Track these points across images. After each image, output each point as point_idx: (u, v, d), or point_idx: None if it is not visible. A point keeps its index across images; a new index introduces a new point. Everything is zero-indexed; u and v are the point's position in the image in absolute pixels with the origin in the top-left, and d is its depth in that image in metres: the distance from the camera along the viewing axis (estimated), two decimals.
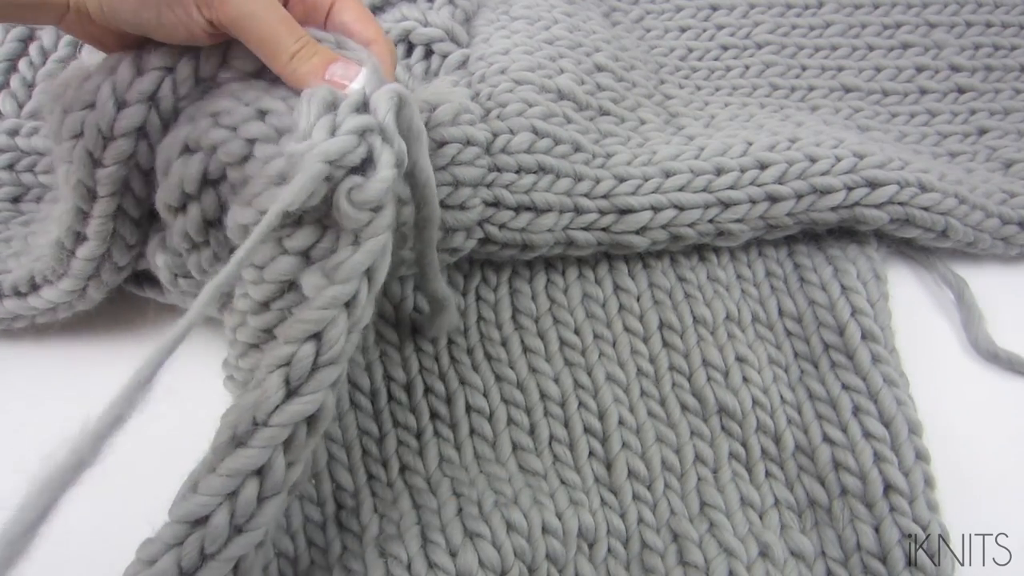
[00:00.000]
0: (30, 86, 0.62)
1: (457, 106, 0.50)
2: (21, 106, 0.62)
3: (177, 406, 0.50)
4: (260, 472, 0.35)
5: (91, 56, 0.46)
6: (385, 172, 0.36)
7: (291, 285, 0.38)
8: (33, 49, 0.63)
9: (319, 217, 0.37)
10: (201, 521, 0.35)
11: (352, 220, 0.36)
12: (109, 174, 0.43)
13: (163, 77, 0.42)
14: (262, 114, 0.41)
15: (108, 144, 0.42)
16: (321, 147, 0.35)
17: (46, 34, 0.63)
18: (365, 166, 0.37)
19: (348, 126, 0.36)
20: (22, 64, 0.63)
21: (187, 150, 0.41)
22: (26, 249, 0.53)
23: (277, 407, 0.35)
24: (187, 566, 0.35)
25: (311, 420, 0.36)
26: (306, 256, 0.38)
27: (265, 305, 0.39)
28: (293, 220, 0.37)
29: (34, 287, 0.50)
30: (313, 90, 0.38)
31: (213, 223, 0.43)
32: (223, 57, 0.43)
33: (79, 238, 0.47)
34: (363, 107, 0.38)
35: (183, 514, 0.35)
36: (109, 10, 0.40)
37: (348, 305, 0.36)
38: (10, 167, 0.59)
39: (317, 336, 0.35)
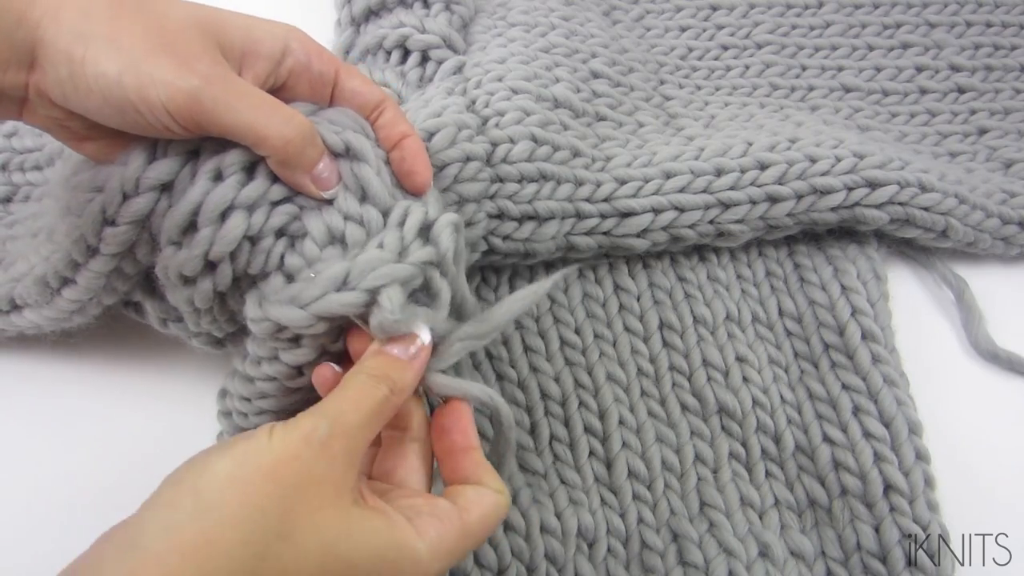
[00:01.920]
0: None
1: (454, 128, 0.49)
2: None
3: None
4: None
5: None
6: (440, 312, 0.38)
7: None
8: None
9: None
10: None
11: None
12: (118, 233, 0.41)
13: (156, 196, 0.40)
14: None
15: (127, 201, 0.40)
16: (394, 268, 0.37)
17: None
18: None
19: (416, 257, 0.38)
20: None
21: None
22: (4, 258, 0.52)
23: None
24: None
25: None
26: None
27: (293, 392, 0.41)
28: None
29: (16, 307, 0.49)
30: (406, 208, 0.40)
31: (223, 294, 0.42)
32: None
33: (66, 282, 0.45)
34: (426, 229, 0.39)
35: None
36: (74, 101, 0.36)
37: None
38: (3, 168, 0.59)
39: None
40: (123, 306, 0.50)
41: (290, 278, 0.39)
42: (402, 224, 0.39)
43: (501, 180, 0.51)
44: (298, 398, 0.42)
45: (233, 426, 0.46)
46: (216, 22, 0.39)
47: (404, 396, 0.35)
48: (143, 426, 0.52)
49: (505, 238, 0.52)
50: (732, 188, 0.53)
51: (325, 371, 0.38)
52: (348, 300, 0.36)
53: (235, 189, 0.39)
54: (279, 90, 0.41)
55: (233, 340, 0.46)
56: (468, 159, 0.49)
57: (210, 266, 0.40)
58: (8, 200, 0.58)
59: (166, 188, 0.39)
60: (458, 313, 0.42)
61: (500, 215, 0.52)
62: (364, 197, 0.40)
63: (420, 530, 0.32)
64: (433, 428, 0.38)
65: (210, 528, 0.28)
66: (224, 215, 0.39)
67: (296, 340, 0.38)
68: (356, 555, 0.30)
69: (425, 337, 0.36)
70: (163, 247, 0.40)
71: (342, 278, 0.37)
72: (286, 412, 0.41)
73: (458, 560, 0.33)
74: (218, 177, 0.39)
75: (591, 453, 0.49)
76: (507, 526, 0.45)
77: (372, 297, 0.36)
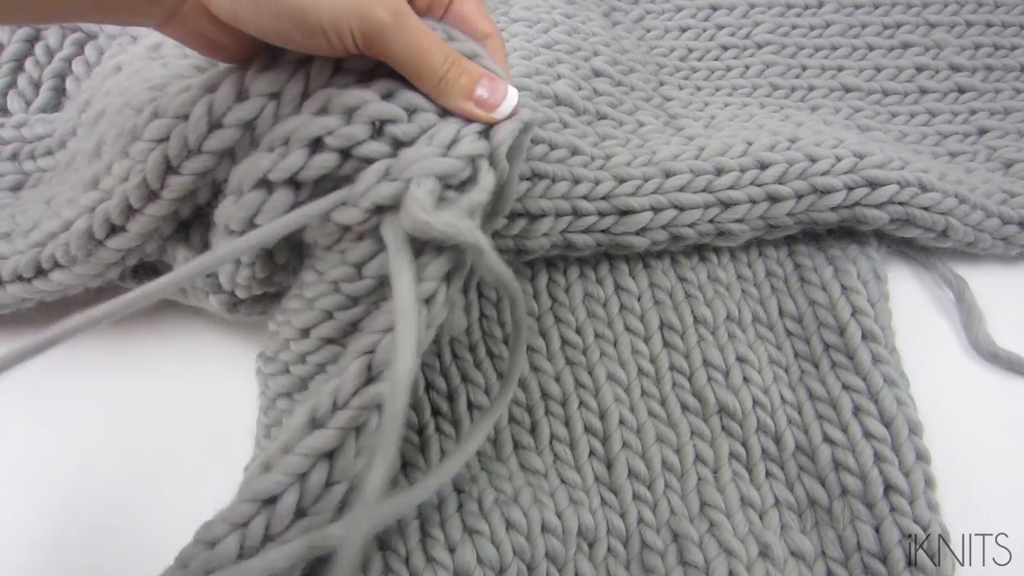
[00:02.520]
0: (37, 85, 0.62)
1: None
2: (28, 103, 0.62)
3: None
4: (331, 456, 0.37)
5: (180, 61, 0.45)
6: (479, 196, 0.39)
7: (384, 283, 0.40)
8: (39, 49, 0.63)
9: None
10: (270, 501, 0.37)
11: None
12: (182, 182, 0.42)
13: (265, 104, 0.41)
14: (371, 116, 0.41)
15: (191, 157, 0.42)
16: (435, 162, 0.38)
17: (51, 34, 0.63)
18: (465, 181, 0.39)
19: (464, 150, 0.39)
20: (28, 64, 0.63)
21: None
22: (15, 231, 0.52)
23: (357, 391, 0.37)
24: (248, 547, 0.36)
25: (381, 409, 0.38)
26: None
27: (355, 300, 0.41)
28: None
29: (40, 272, 0.50)
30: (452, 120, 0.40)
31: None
32: (335, 68, 0.41)
33: (115, 230, 0.46)
34: (486, 131, 0.40)
35: (255, 493, 0.37)
36: (248, 20, 0.38)
37: (428, 302, 0.38)
38: (13, 157, 0.59)
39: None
40: (130, 276, 0.51)
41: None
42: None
43: None
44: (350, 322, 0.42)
45: (286, 380, 0.46)
46: None
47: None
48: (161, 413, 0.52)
49: (495, 234, 0.52)
50: (732, 187, 0.53)
51: None
52: (387, 191, 0.37)
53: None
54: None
55: (247, 307, 0.48)
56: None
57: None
58: (19, 188, 0.58)
59: (249, 127, 0.41)
60: (494, 209, 0.44)
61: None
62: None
63: None
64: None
65: None
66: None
67: (360, 237, 0.40)
68: None
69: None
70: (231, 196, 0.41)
71: (384, 171, 0.38)
72: (342, 341, 0.42)
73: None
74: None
75: (591, 453, 0.49)
76: (509, 524, 0.45)
77: (407, 186, 0.37)
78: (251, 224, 0.41)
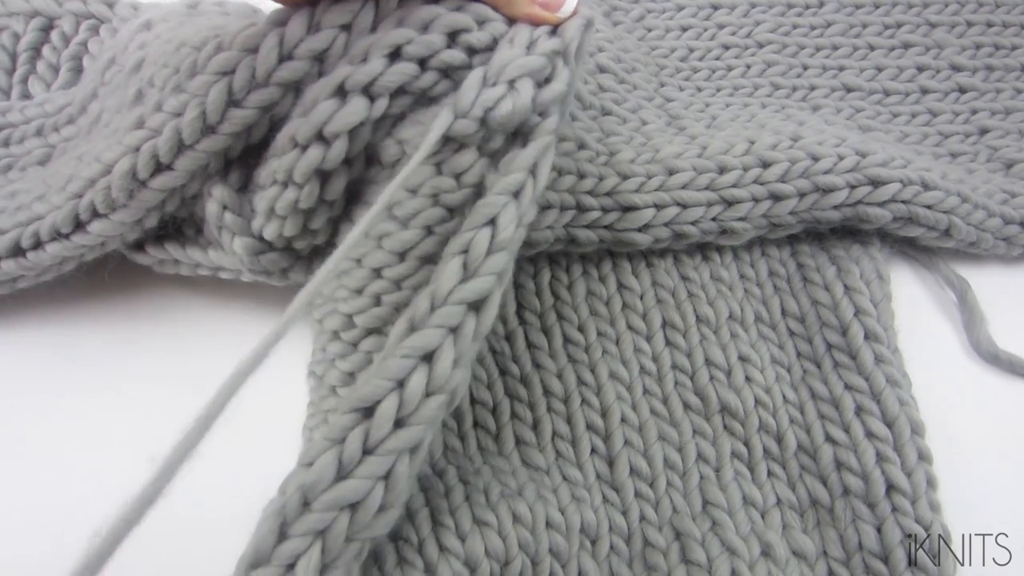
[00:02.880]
0: (56, 69, 0.63)
1: None
2: (49, 87, 0.63)
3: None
4: (430, 359, 0.37)
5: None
6: (558, 86, 0.42)
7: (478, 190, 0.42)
8: (55, 36, 0.64)
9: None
10: (368, 411, 0.36)
11: (530, 120, 0.41)
12: (243, 115, 0.43)
13: (337, 35, 0.41)
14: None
15: (256, 90, 0.42)
16: (526, 60, 0.41)
17: (65, 21, 0.64)
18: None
19: (544, 47, 0.41)
20: (45, 50, 0.64)
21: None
22: (52, 189, 0.52)
23: (454, 288, 0.38)
24: (347, 461, 0.36)
25: (478, 312, 0.38)
26: (493, 157, 0.42)
27: (453, 211, 0.42)
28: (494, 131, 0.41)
29: (79, 225, 0.49)
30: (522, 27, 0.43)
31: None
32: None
33: (161, 167, 0.46)
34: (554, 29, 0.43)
35: (355, 400, 0.36)
36: None
37: (517, 195, 0.40)
38: (38, 133, 0.59)
39: (492, 221, 0.39)
40: (161, 241, 0.51)
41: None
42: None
43: None
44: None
45: (335, 373, 0.47)
46: None
47: None
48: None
49: None
50: (735, 185, 0.53)
51: None
52: (496, 94, 0.40)
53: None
54: None
55: (271, 260, 0.49)
56: None
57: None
58: (46, 161, 0.59)
59: (319, 60, 0.42)
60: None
61: None
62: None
63: None
64: None
65: None
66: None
67: (458, 148, 0.41)
68: None
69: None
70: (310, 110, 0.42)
71: (482, 77, 0.41)
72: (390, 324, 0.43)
73: None
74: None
75: (593, 450, 0.49)
76: (515, 518, 0.45)
77: (509, 88, 0.40)
78: (320, 136, 0.42)
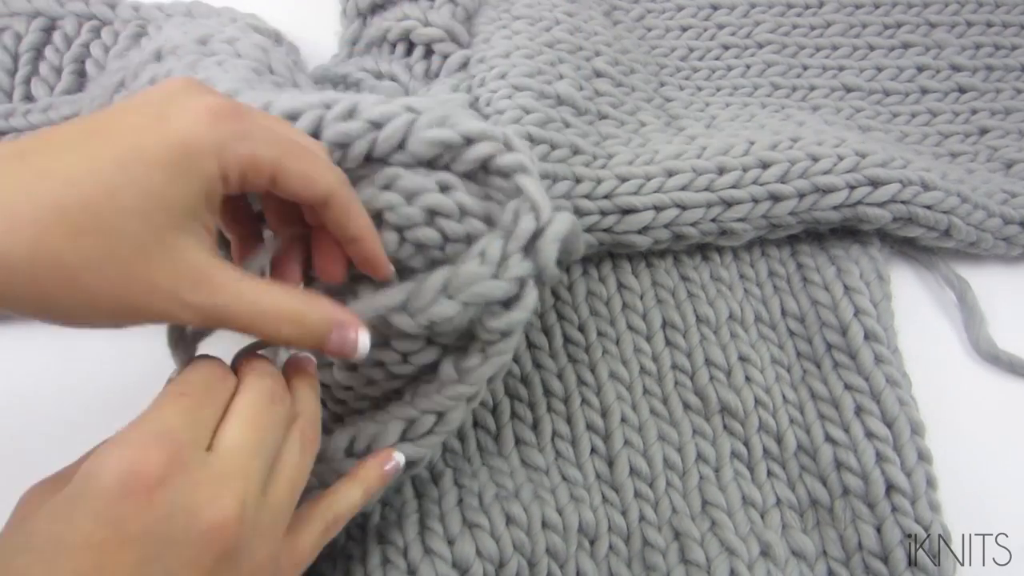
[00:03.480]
0: (58, 71, 0.63)
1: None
2: (52, 89, 0.63)
3: None
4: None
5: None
6: (521, 315, 0.40)
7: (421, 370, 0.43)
8: (56, 37, 0.64)
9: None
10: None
11: (485, 337, 0.40)
12: None
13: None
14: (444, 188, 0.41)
15: None
16: (489, 286, 0.39)
17: (67, 23, 0.64)
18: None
19: (514, 272, 0.39)
20: (48, 51, 0.64)
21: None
22: None
23: (395, 445, 0.42)
24: None
25: (408, 466, 0.42)
26: (446, 348, 0.42)
27: (399, 377, 0.43)
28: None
29: None
30: (515, 210, 0.40)
31: None
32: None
33: None
34: (534, 240, 0.40)
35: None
36: None
37: (469, 400, 0.42)
38: None
39: (440, 414, 0.42)
40: None
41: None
42: (509, 233, 0.40)
43: None
44: (399, 385, 0.44)
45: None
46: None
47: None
48: None
49: None
50: (734, 186, 0.53)
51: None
52: (446, 311, 0.38)
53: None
54: None
55: None
56: None
57: None
58: None
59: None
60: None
61: None
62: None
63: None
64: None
65: None
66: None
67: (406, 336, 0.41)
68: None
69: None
70: None
71: (442, 286, 0.39)
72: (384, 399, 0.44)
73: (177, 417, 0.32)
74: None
75: (593, 450, 0.49)
76: (509, 519, 0.45)
77: (464, 308, 0.39)
78: None
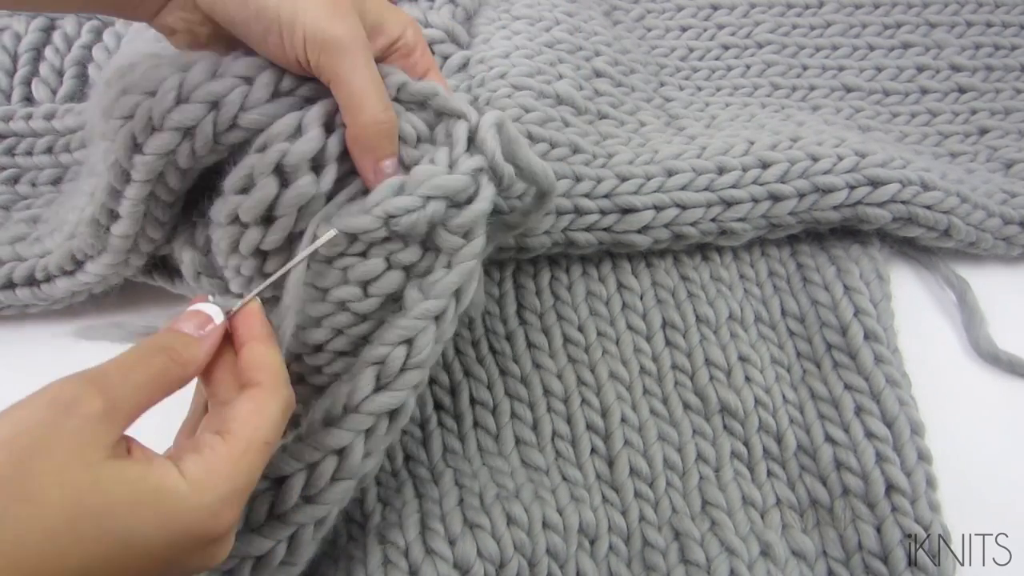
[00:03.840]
0: (60, 73, 0.63)
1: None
2: (54, 91, 0.63)
3: None
4: (340, 453, 0.40)
5: (152, 43, 0.45)
6: (481, 205, 0.41)
7: (390, 298, 0.42)
8: (57, 37, 0.64)
9: (422, 239, 0.41)
10: (278, 481, 0.40)
11: (448, 243, 0.41)
12: (146, 162, 0.42)
13: (236, 85, 0.41)
14: None
15: (153, 134, 0.41)
16: (446, 179, 0.40)
17: (68, 22, 0.64)
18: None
19: (465, 166, 0.40)
20: (48, 52, 0.64)
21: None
22: (59, 225, 0.53)
23: (367, 397, 0.39)
24: (253, 521, 0.39)
25: (392, 415, 0.40)
26: (408, 271, 0.41)
27: (364, 317, 0.42)
28: (400, 239, 0.40)
29: (78, 264, 0.51)
30: (448, 125, 0.42)
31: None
32: (305, 78, 0.42)
33: (112, 215, 0.46)
34: (472, 138, 0.42)
35: (268, 469, 0.38)
36: (223, 7, 0.39)
37: (438, 318, 0.40)
38: (48, 150, 0.60)
39: (409, 342, 0.40)
40: (152, 271, 0.52)
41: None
42: (448, 137, 0.42)
43: None
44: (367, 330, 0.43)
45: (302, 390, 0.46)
46: None
47: (190, 369, 0.35)
48: None
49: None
50: (734, 186, 0.53)
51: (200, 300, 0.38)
52: (405, 203, 0.39)
53: (319, 141, 0.41)
54: (377, 62, 0.43)
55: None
56: None
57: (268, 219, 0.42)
58: (58, 181, 0.60)
59: (215, 106, 0.41)
60: (535, 184, 0.45)
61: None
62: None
63: (183, 469, 0.32)
64: (233, 339, 0.38)
65: None
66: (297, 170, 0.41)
67: (364, 253, 0.40)
68: (107, 502, 0.30)
69: (217, 318, 0.37)
70: (227, 194, 0.42)
71: (399, 186, 0.40)
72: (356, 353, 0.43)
73: (248, 477, 0.33)
74: (298, 132, 0.41)
75: (593, 450, 0.49)
76: (510, 519, 0.45)
77: (424, 202, 0.39)
78: (266, 219, 0.42)
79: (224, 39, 0.42)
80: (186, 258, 0.48)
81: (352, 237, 0.40)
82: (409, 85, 0.43)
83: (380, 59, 0.43)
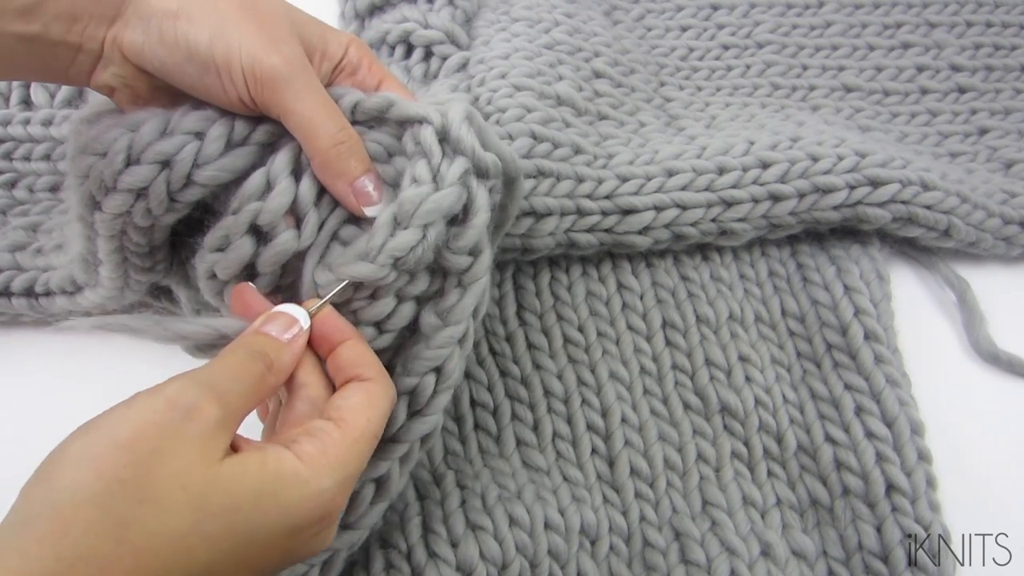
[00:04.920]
0: None
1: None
2: (53, 96, 0.62)
3: None
4: (378, 480, 0.41)
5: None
6: (482, 217, 0.40)
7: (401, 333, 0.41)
8: None
9: (429, 263, 0.40)
10: None
11: (456, 265, 0.40)
12: (104, 220, 0.42)
13: (187, 142, 0.39)
14: None
15: (108, 195, 0.41)
16: (437, 199, 0.38)
17: None
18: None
19: (452, 175, 0.39)
20: None
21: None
22: (64, 242, 0.53)
23: (402, 426, 0.40)
24: None
25: (424, 437, 0.42)
26: (419, 300, 0.41)
27: (383, 351, 0.41)
28: (407, 273, 0.40)
29: (78, 288, 0.51)
30: (414, 133, 0.40)
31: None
32: (257, 121, 0.41)
33: (96, 258, 0.46)
34: (445, 138, 0.40)
35: None
36: (152, 56, 0.38)
37: (460, 340, 0.40)
38: (47, 157, 0.60)
39: (437, 369, 0.40)
40: (155, 298, 0.51)
41: (346, 244, 0.40)
42: (418, 145, 0.40)
43: None
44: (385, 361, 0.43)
45: None
46: (299, 16, 0.41)
47: (282, 377, 0.36)
48: None
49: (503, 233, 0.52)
50: (734, 186, 0.53)
51: (245, 292, 0.38)
52: (407, 240, 0.37)
53: (291, 193, 0.39)
54: (325, 86, 0.42)
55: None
56: None
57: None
58: (56, 189, 0.60)
59: (166, 165, 0.40)
60: (504, 171, 0.43)
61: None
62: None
63: (299, 453, 0.32)
64: (314, 340, 0.38)
65: (64, 509, 0.28)
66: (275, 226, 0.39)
67: (374, 295, 0.39)
68: (232, 501, 0.30)
69: (304, 322, 0.37)
70: (204, 251, 0.41)
71: (392, 221, 0.38)
72: None
73: (359, 465, 0.34)
74: (268, 188, 0.40)
75: (594, 450, 0.50)
76: (512, 521, 0.45)
77: (424, 232, 0.38)
78: (248, 274, 0.40)
79: (167, 90, 0.40)
80: (182, 296, 0.48)
81: (358, 283, 0.39)
82: (363, 103, 0.41)
83: (328, 83, 0.42)
